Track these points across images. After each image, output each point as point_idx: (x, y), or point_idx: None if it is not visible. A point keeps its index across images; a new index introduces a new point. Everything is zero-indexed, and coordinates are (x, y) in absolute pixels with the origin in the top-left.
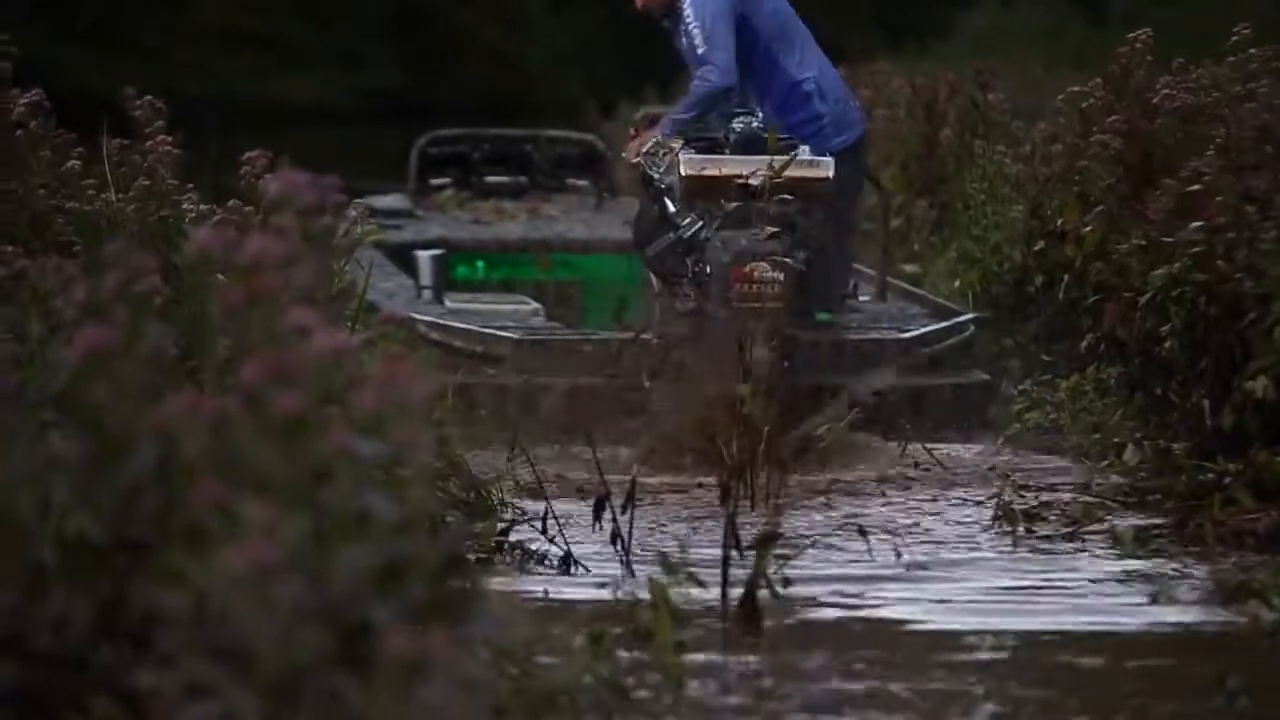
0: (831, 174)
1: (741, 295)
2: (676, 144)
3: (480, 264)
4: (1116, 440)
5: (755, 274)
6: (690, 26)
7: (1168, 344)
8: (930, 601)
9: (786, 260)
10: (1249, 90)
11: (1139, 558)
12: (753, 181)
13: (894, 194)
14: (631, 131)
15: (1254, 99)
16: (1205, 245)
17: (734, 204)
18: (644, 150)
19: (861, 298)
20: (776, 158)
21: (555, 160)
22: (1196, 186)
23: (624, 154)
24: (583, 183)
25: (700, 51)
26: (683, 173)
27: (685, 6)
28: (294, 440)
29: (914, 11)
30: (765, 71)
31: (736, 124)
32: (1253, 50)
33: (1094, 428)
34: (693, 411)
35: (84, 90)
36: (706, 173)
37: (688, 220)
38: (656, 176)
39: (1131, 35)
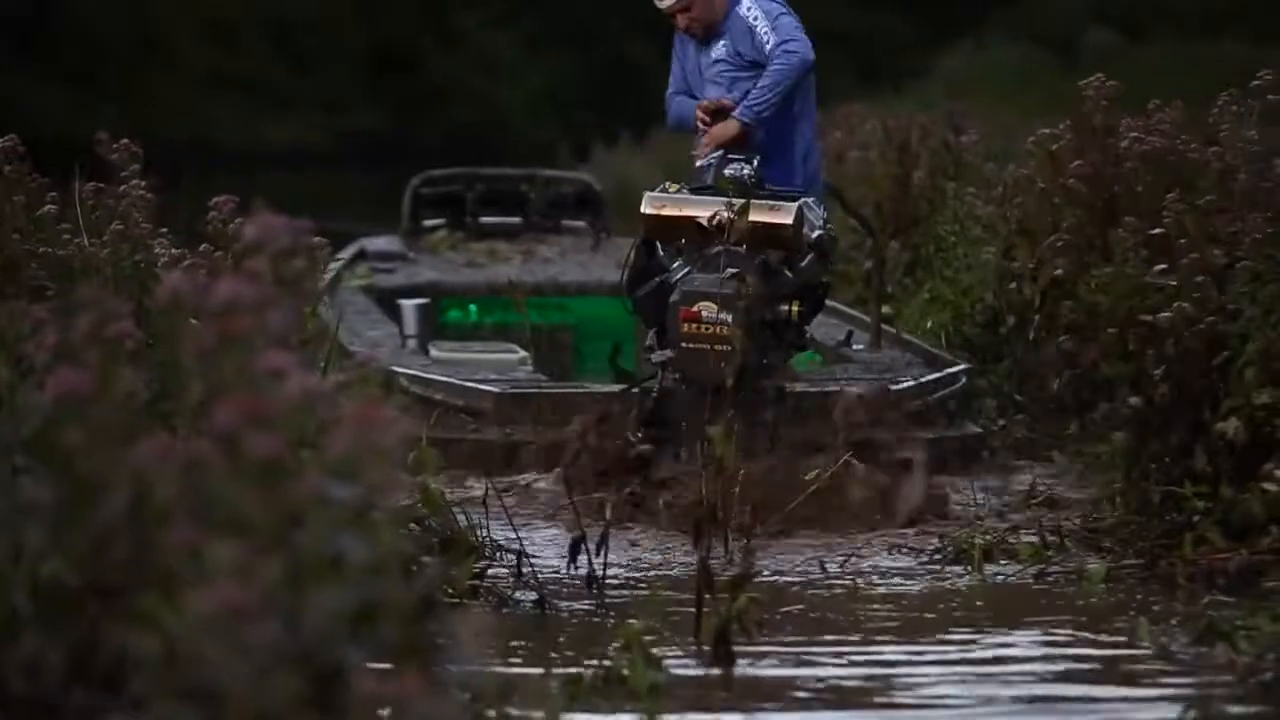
0: (792, 220)
1: (686, 336)
2: (674, 188)
3: (473, 308)
4: (1084, 482)
5: (702, 314)
6: (755, 25)
7: (1159, 388)
8: (891, 641)
9: (739, 301)
10: (1214, 134)
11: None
12: (706, 224)
13: (867, 236)
14: (703, 124)
15: (1218, 143)
16: (1175, 288)
17: (713, 248)
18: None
19: (856, 346)
20: (736, 200)
21: (551, 201)
22: (1159, 230)
23: (694, 153)
24: (579, 224)
25: (769, 43)
26: (642, 211)
27: (742, 9)
28: (267, 483)
29: (889, 55)
30: (776, 119)
31: (729, 170)
32: (1225, 95)
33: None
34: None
35: (60, 135)
36: (665, 213)
37: (677, 264)
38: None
39: (1091, 79)
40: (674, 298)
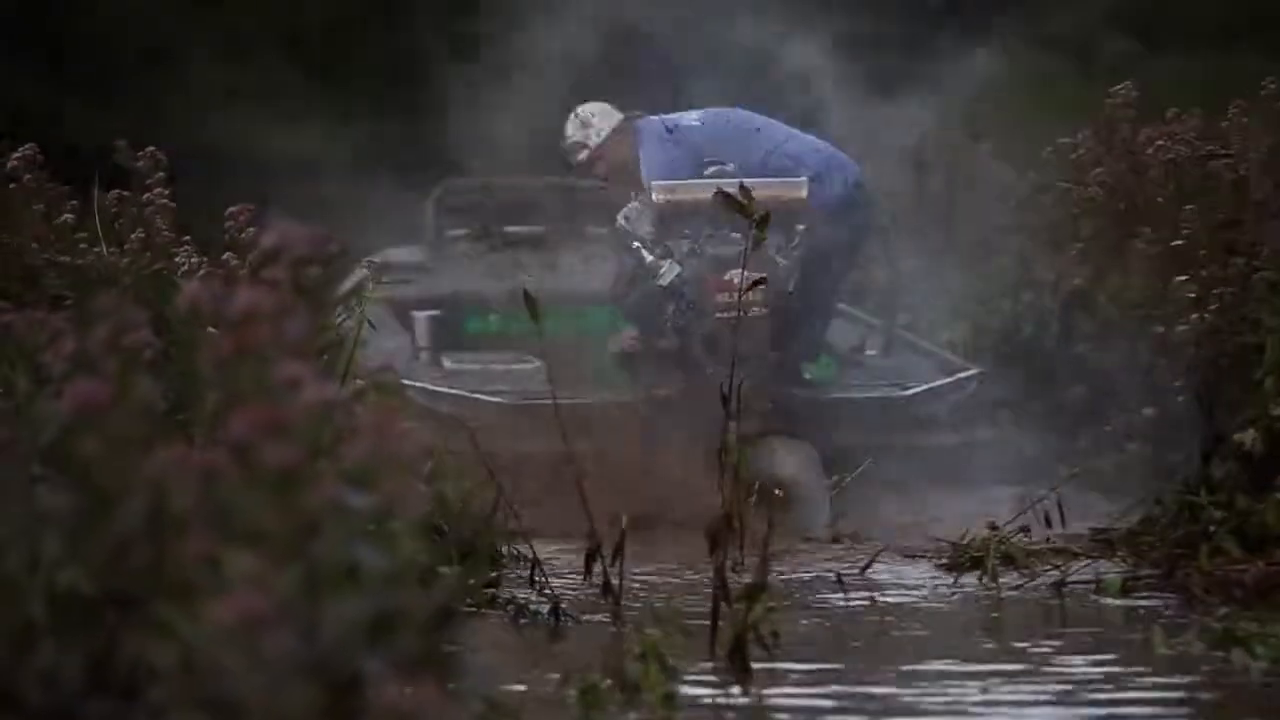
0: (805, 194)
1: (720, 306)
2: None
3: (493, 318)
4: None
5: (734, 281)
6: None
7: (1179, 397)
8: (911, 655)
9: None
10: (1228, 146)
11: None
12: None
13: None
14: None
15: (1234, 155)
16: (1196, 298)
17: (709, 232)
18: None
19: (868, 351)
20: (749, 180)
21: (575, 209)
22: (1178, 241)
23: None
24: (604, 231)
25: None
26: (654, 199)
27: (642, 174)
28: (284, 493)
29: (906, 63)
30: None
31: (710, 172)
32: (1235, 105)
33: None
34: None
35: (77, 143)
36: (677, 196)
37: (664, 269)
38: (630, 229)
39: (1116, 88)
40: (702, 271)
